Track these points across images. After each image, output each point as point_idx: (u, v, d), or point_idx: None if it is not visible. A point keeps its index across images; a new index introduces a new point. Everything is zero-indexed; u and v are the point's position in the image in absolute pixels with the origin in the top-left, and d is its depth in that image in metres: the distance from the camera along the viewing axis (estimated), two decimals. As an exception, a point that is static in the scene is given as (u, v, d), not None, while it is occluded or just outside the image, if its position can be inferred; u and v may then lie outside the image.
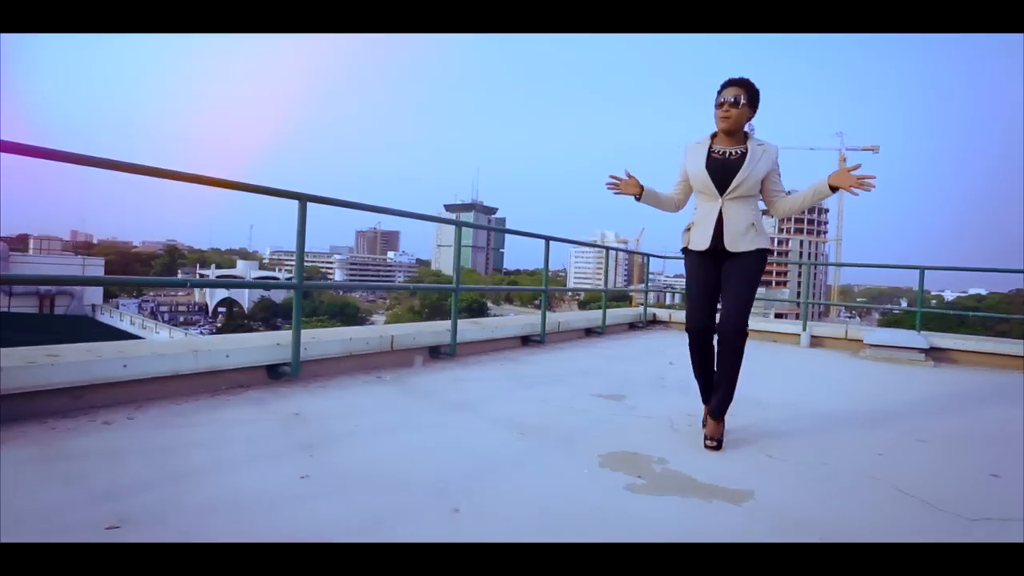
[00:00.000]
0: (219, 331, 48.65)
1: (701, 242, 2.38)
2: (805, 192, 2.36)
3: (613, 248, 7.72)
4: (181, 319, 67.25)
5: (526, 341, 5.02)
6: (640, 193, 2.46)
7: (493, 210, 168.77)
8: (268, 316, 58.50)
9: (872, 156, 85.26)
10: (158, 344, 2.65)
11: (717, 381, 2.37)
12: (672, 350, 5.27)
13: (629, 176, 2.46)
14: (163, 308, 70.33)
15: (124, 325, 26.25)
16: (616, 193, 2.47)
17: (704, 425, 2.44)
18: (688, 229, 2.48)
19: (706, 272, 2.41)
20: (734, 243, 2.32)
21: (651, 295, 8.03)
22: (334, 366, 3.32)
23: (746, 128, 2.36)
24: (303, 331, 3.12)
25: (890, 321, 47.76)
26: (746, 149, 2.31)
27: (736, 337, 2.30)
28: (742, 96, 2.25)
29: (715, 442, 2.30)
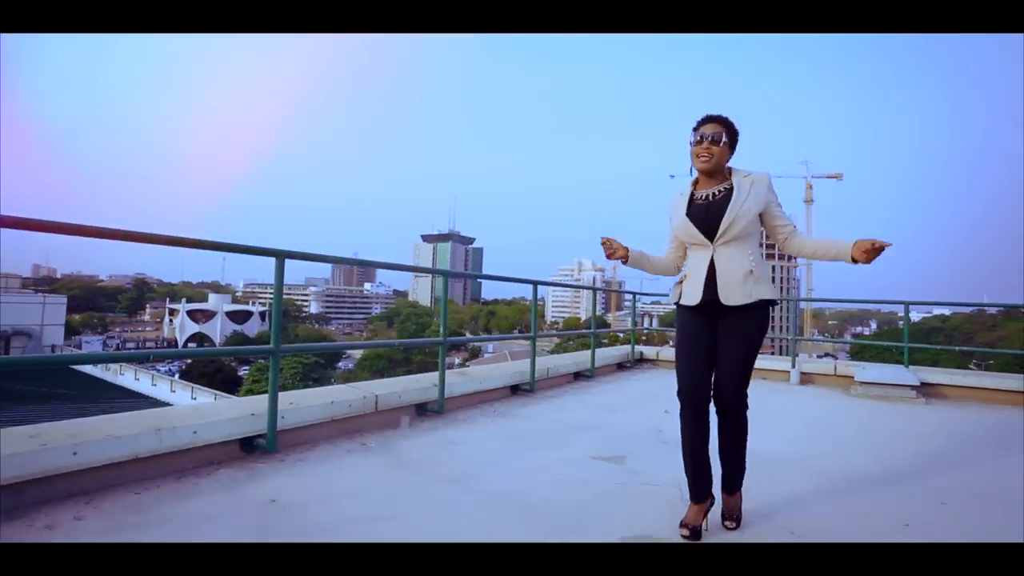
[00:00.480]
0: (188, 368, 46.99)
1: (692, 296, 2.10)
2: (827, 247, 2.07)
3: (601, 289, 7.59)
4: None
5: (515, 390, 4.81)
6: (626, 257, 2.24)
7: (470, 240, 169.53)
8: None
9: (836, 183, 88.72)
10: (114, 423, 2.37)
11: (720, 454, 2.13)
12: (665, 394, 5.12)
13: (611, 241, 2.22)
14: (130, 345, 67.97)
15: (87, 368, 25.02)
16: (608, 256, 2.25)
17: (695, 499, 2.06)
18: (680, 282, 2.22)
19: (700, 330, 2.10)
20: (729, 295, 2.03)
21: (629, 321, 7.93)
22: (315, 432, 3.06)
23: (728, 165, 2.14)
24: (280, 394, 2.87)
25: (862, 343, 49.10)
26: (731, 185, 2.07)
27: (736, 410, 2.06)
28: (723, 134, 2.04)
29: (734, 522, 2.12)
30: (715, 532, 2.10)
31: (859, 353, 27.63)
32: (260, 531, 1.96)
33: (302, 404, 2.98)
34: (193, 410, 2.73)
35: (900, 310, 6.91)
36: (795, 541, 2.01)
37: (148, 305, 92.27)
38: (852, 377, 5.84)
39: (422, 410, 3.79)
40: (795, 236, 2.16)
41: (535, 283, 4.93)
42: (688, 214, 2.11)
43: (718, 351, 2.07)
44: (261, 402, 2.85)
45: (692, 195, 2.15)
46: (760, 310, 2.07)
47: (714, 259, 2.07)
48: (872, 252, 1.92)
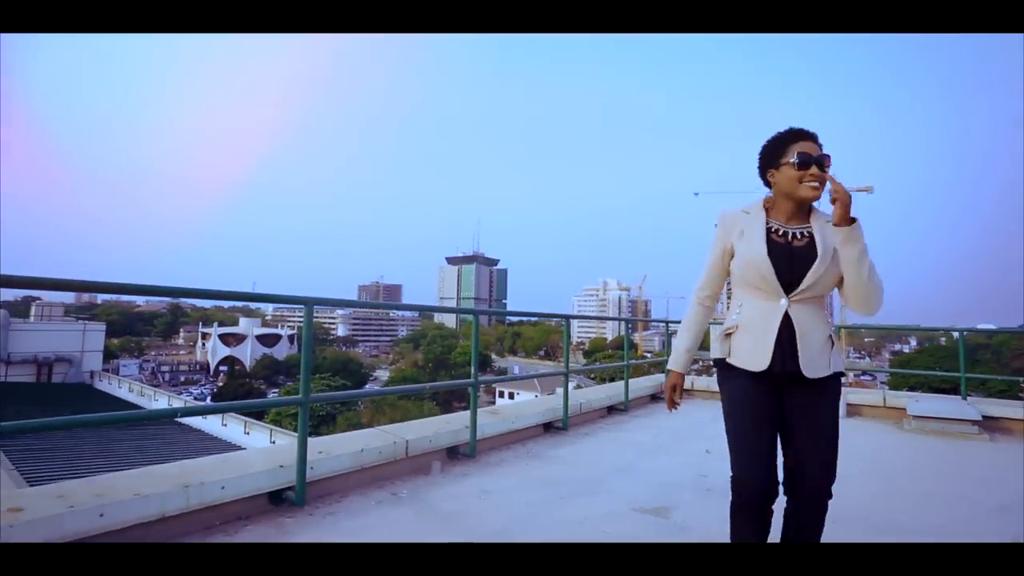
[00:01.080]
0: (220, 391, 47.89)
1: (756, 358, 1.67)
2: (843, 256, 1.62)
3: (631, 320, 7.37)
4: (182, 379, 66.57)
5: (548, 427, 4.64)
6: (686, 370, 1.90)
7: (494, 261, 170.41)
8: (270, 374, 57.77)
9: (866, 196, 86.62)
10: (141, 479, 2.31)
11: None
12: (703, 431, 4.88)
13: (675, 393, 1.89)
14: (164, 368, 69.80)
15: (123, 393, 25.68)
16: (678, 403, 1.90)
17: None
18: (729, 335, 1.77)
19: (763, 405, 1.69)
20: (812, 365, 1.64)
21: (657, 340, 7.67)
22: (344, 482, 2.96)
23: None
24: (309, 439, 2.79)
25: (902, 362, 46.95)
26: (812, 230, 1.70)
27: (825, 503, 1.70)
28: (829, 159, 1.66)
29: None
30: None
31: (901, 378, 26.40)
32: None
33: (332, 453, 2.89)
34: (221, 462, 2.66)
35: (940, 324, 6.50)
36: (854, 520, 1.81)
37: (182, 329, 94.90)
38: (904, 409, 5.50)
39: (453, 453, 3.66)
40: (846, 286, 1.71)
41: (567, 317, 4.80)
42: (768, 252, 1.68)
43: (797, 432, 1.69)
44: (290, 451, 2.77)
45: (768, 225, 1.74)
46: (837, 382, 1.72)
47: (791, 317, 1.67)
48: (838, 207, 1.56)
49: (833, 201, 1.58)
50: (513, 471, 3.50)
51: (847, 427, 5.33)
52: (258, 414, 25.30)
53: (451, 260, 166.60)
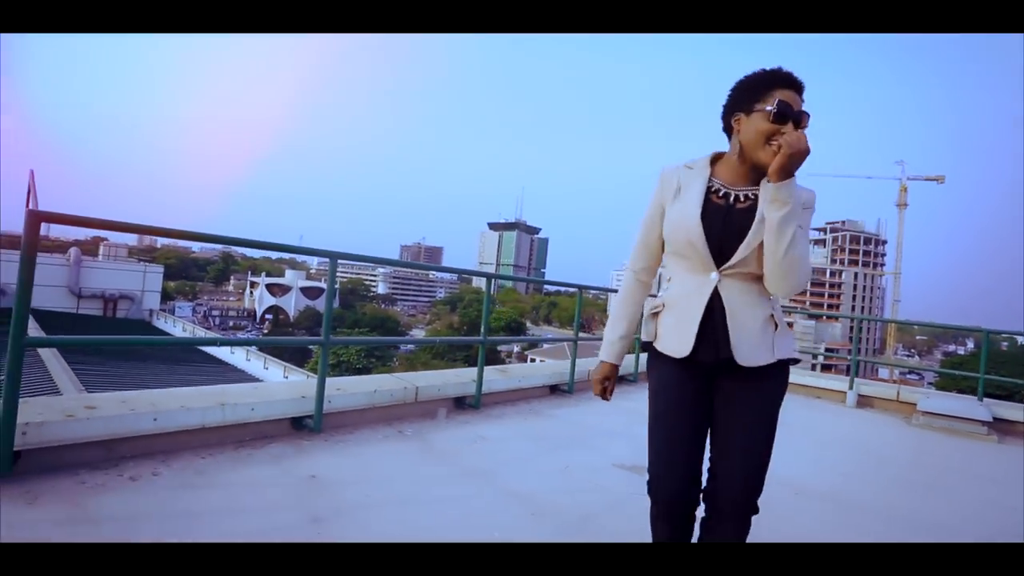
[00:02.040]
0: (266, 334, 50.41)
1: (679, 342, 1.42)
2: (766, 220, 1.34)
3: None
4: (231, 324, 70.45)
5: (554, 390, 4.94)
6: (620, 360, 1.61)
7: (536, 230, 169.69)
8: (312, 325, 60.40)
9: (937, 187, 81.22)
10: (187, 395, 2.74)
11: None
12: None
13: (605, 387, 1.62)
14: (215, 312, 73.88)
15: (177, 331, 27.63)
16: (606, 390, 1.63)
17: None
18: (655, 314, 1.51)
19: (688, 397, 1.45)
20: (746, 351, 1.37)
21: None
22: (358, 417, 3.35)
23: None
24: (329, 379, 3.17)
25: (954, 363, 44.74)
26: (758, 192, 1.40)
27: (745, 516, 1.43)
28: (807, 119, 1.36)
29: None
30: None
31: (951, 379, 25.36)
32: (298, 501, 2.23)
33: (348, 391, 3.27)
34: (253, 389, 3.08)
35: (1005, 326, 6.37)
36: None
37: (232, 277, 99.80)
38: (915, 404, 5.51)
39: (460, 403, 4.01)
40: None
41: (580, 287, 5.02)
42: (703, 215, 1.40)
43: (720, 430, 1.45)
44: (312, 385, 3.16)
45: (710, 183, 1.45)
46: (782, 372, 1.45)
47: (719, 293, 1.40)
48: (780, 156, 1.28)
49: (778, 148, 1.30)
50: (512, 423, 3.83)
51: (856, 418, 5.43)
52: (299, 361, 26.78)
53: (493, 226, 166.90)
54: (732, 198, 1.42)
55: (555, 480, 2.80)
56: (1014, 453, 4.46)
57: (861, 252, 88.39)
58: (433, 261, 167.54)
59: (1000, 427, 5.10)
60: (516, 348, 52.25)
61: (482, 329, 4.13)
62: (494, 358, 40.08)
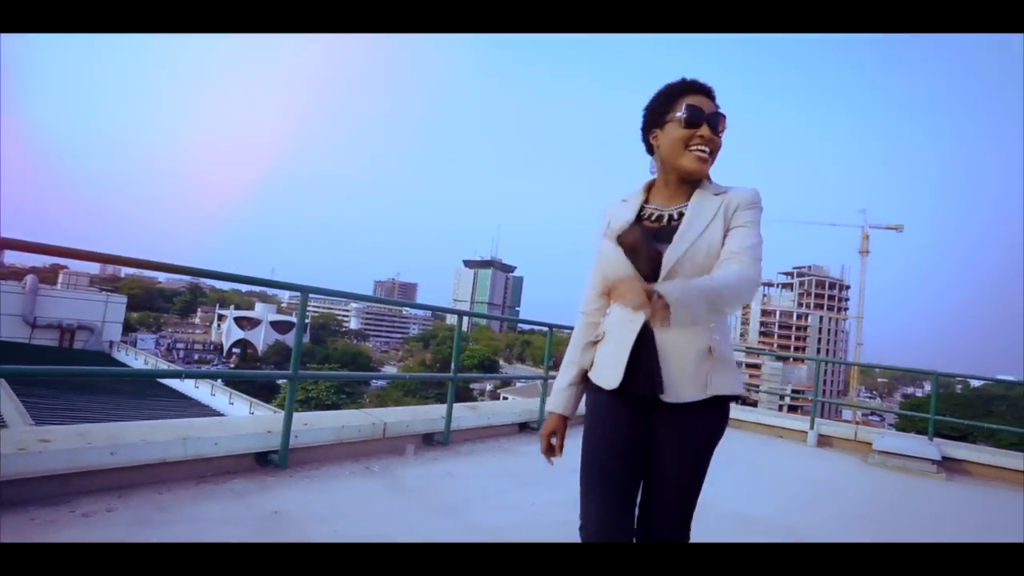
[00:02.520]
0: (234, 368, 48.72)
1: (611, 375, 1.34)
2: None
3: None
4: (196, 357, 68.05)
5: (523, 427, 4.96)
6: (569, 414, 1.49)
7: (511, 268, 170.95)
8: (280, 360, 58.79)
9: (896, 235, 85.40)
10: (148, 428, 2.70)
11: None
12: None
13: (551, 447, 1.51)
14: (179, 345, 71.38)
15: (138, 364, 26.55)
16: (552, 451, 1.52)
17: None
18: (595, 343, 1.44)
19: (619, 433, 1.35)
20: (676, 387, 1.28)
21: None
22: (325, 453, 3.32)
23: None
24: (296, 414, 3.15)
25: (912, 405, 46.00)
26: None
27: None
28: (725, 119, 1.35)
29: None
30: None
31: (909, 421, 26.12)
32: (259, 537, 2.20)
33: (315, 426, 3.25)
34: (217, 423, 3.04)
35: (959, 371, 6.67)
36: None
37: (200, 309, 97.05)
38: (871, 444, 5.70)
39: (429, 440, 4.00)
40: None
41: (551, 326, 5.13)
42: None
43: (652, 468, 1.35)
44: (278, 420, 3.14)
45: (643, 209, 1.41)
46: (719, 410, 1.34)
47: (651, 323, 1.28)
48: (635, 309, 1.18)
49: (699, 152, 1.29)
50: (481, 460, 3.83)
51: (813, 457, 5.57)
52: (266, 397, 25.95)
53: (468, 263, 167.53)
54: (666, 218, 1.36)
55: (521, 516, 2.82)
56: (959, 490, 4.66)
57: (826, 296, 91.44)
58: (407, 297, 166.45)
59: (949, 465, 5.32)
60: (489, 386, 51.73)
61: (452, 366, 4.17)
62: (466, 395, 39.59)
